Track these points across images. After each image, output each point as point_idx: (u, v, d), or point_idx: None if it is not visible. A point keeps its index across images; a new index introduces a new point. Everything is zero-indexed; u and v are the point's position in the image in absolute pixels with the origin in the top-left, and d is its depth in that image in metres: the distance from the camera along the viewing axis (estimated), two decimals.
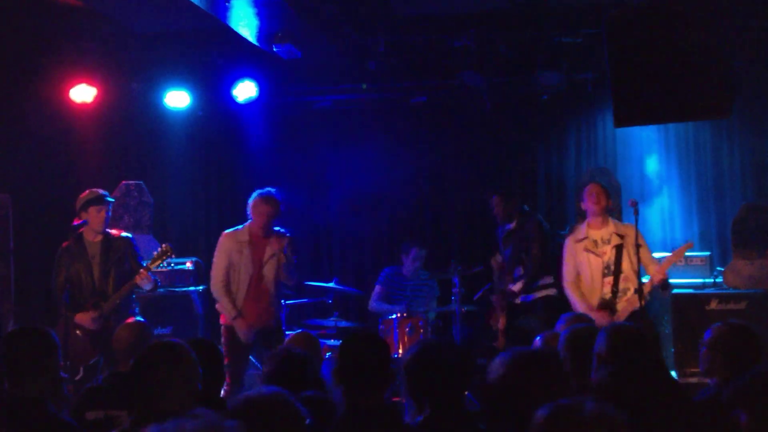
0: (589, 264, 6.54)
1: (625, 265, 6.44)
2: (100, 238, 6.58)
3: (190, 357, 3.07)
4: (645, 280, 6.55)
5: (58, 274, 6.56)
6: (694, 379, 6.89)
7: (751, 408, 2.56)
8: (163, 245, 6.67)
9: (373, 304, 8.10)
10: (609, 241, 6.48)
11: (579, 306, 6.51)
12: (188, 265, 8.29)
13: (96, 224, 6.53)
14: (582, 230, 6.64)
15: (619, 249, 6.44)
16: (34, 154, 9.03)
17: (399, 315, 7.48)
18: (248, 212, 6.67)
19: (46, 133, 9.05)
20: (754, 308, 7.30)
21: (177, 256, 7.51)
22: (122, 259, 6.60)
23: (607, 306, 6.35)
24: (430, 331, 7.64)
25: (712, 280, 7.65)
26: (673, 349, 7.37)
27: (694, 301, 7.28)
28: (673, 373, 6.94)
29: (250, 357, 6.99)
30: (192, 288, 8.27)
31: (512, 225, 7.18)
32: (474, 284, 8.27)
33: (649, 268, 6.48)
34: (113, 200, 6.82)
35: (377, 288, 8.13)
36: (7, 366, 3.46)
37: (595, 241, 6.53)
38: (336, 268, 9.08)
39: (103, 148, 9.13)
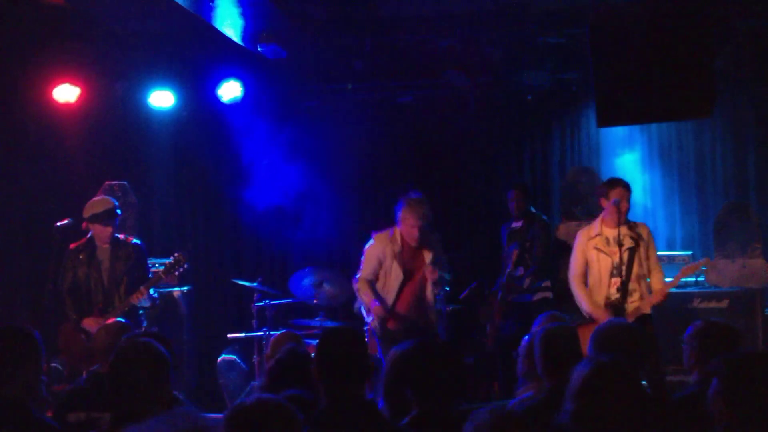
0: (597, 262, 6.38)
1: (636, 268, 6.28)
2: (108, 244, 6.54)
3: (161, 353, 3.07)
4: (668, 279, 6.43)
5: (65, 276, 6.51)
6: (675, 377, 6.88)
7: (724, 379, 2.82)
8: (176, 254, 6.60)
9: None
10: (621, 242, 6.27)
11: (583, 301, 6.38)
12: None
13: (102, 238, 6.51)
14: (596, 226, 6.46)
15: (631, 252, 6.28)
16: (16, 154, 8.99)
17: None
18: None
19: (29, 133, 9.01)
20: (735, 306, 7.36)
21: (161, 257, 7.48)
22: (133, 266, 6.54)
23: (615, 307, 6.28)
24: None
25: (694, 279, 7.67)
26: None
27: (677, 300, 7.31)
28: None
29: None
30: (176, 288, 8.25)
31: (520, 224, 7.20)
32: (460, 283, 8.29)
33: (653, 275, 6.35)
34: (120, 213, 6.75)
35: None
36: None
37: (607, 239, 6.33)
38: (323, 266, 9.03)
39: (87, 148, 9.07)
